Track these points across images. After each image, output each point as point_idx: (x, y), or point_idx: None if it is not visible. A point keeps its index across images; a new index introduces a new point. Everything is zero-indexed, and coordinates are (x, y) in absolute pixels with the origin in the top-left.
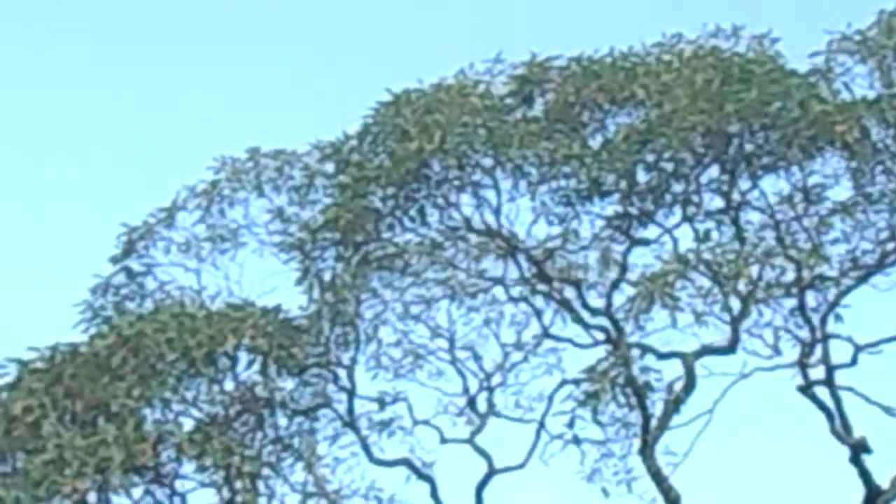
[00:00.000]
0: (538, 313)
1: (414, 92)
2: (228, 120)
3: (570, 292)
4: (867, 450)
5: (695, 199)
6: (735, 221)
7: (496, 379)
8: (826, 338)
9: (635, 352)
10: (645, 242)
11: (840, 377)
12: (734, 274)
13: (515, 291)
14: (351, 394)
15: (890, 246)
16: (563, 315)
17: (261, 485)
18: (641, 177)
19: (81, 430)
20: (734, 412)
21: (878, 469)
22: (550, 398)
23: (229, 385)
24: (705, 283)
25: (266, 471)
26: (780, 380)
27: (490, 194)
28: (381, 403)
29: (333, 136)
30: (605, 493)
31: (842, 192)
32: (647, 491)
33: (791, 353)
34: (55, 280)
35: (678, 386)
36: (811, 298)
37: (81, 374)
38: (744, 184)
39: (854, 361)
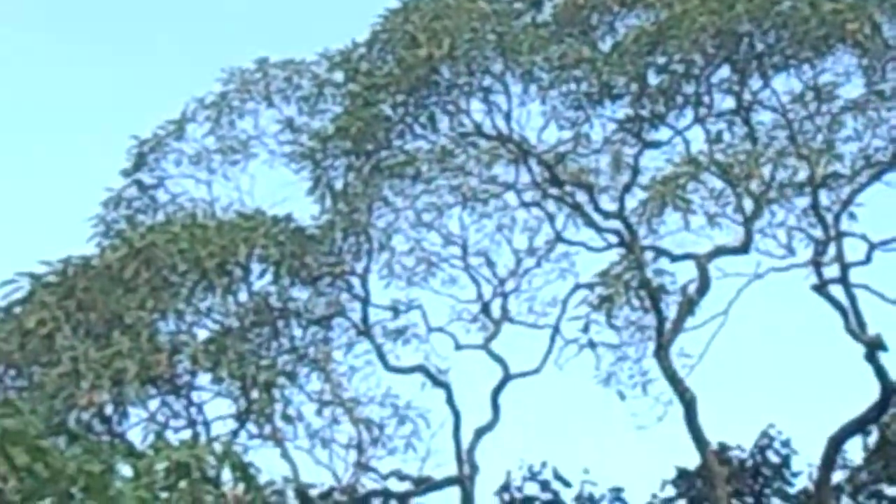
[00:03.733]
0: (550, 218)
1: None
2: (237, 30)
3: (581, 196)
4: (883, 347)
5: (706, 100)
6: (747, 122)
7: (510, 285)
8: (840, 236)
9: (649, 255)
10: (656, 145)
11: (854, 275)
12: (746, 174)
13: (527, 196)
14: (365, 302)
15: None
16: (575, 219)
17: (276, 393)
18: (652, 79)
19: (95, 342)
20: (748, 312)
21: (893, 366)
22: (564, 303)
23: (243, 296)
24: (717, 184)
25: (281, 380)
26: (794, 279)
27: (500, 99)
28: (395, 311)
29: (342, 45)
30: (622, 395)
31: (853, 89)
32: (662, 393)
33: (804, 252)
34: (67, 194)
35: (692, 288)
36: (824, 197)
37: (94, 287)
38: (755, 84)
39: (868, 259)
